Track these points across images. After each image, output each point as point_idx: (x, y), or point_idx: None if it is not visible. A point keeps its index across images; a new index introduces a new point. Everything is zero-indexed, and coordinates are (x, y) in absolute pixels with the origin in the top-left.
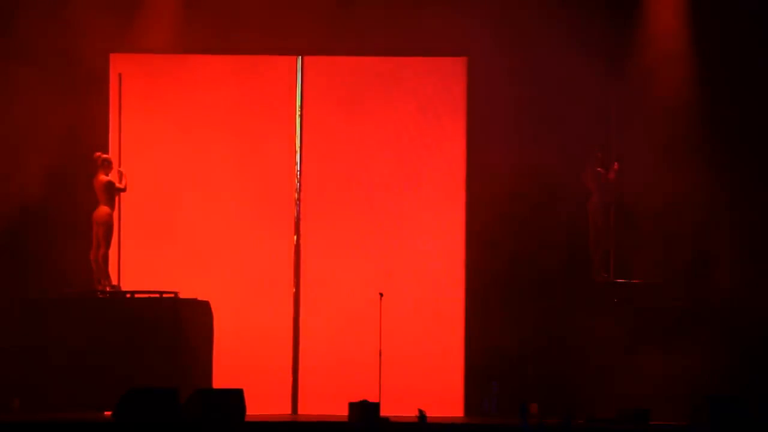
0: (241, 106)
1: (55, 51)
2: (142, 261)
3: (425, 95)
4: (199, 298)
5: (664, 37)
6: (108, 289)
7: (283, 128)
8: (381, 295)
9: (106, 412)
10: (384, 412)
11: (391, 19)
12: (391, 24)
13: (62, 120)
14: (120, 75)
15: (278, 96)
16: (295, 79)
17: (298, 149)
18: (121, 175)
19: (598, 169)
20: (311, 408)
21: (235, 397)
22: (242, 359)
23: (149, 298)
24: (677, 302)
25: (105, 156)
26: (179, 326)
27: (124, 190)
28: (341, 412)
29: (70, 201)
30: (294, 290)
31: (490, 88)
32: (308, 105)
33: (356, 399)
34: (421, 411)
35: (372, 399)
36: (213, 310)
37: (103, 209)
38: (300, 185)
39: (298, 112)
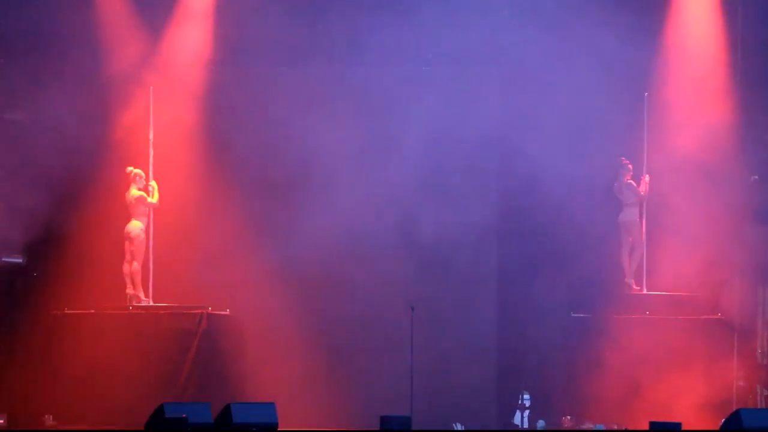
0: (272, 116)
1: (87, 65)
2: (173, 275)
3: (459, 102)
4: (230, 313)
5: (698, 43)
6: (140, 303)
7: (316, 138)
8: (412, 308)
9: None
10: (416, 425)
11: (428, 31)
12: (426, 35)
13: (93, 133)
14: (151, 88)
15: (312, 107)
16: (323, 91)
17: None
18: (152, 189)
19: (630, 180)
20: (343, 422)
21: (268, 410)
22: (273, 373)
23: (181, 312)
24: (710, 315)
25: (136, 170)
26: (211, 341)
27: (155, 204)
28: (372, 425)
29: (102, 215)
30: (325, 303)
31: (524, 95)
32: (335, 115)
33: (387, 412)
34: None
35: (403, 412)
36: (244, 324)
37: (135, 223)
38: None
39: (326, 123)
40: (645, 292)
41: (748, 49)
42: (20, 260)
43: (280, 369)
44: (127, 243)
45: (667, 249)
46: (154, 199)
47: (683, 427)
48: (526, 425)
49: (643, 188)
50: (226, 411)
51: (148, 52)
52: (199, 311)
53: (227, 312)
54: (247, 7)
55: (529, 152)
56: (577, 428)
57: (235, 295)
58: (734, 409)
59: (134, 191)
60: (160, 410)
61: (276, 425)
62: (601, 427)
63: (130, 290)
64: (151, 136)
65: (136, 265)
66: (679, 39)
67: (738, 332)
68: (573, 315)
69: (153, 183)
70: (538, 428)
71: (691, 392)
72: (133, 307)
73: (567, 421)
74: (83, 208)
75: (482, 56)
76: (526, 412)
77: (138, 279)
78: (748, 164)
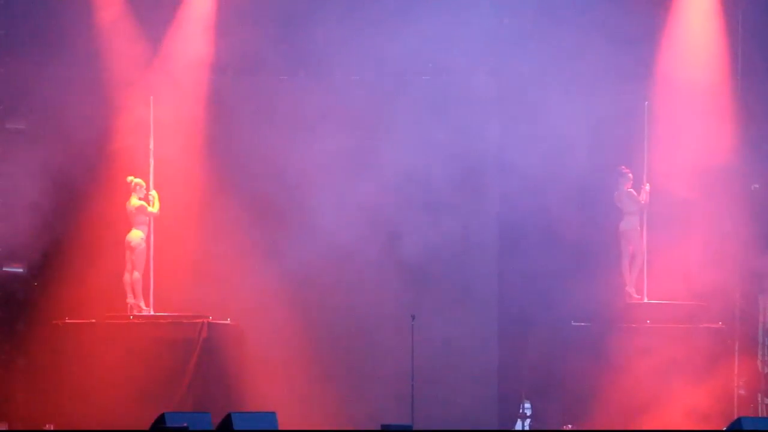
0: (272, 127)
1: (87, 75)
2: (174, 284)
3: (457, 111)
4: (231, 322)
5: (699, 51)
6: (141, 312)
7: (316, 149)
8: (413, 317)
9: None
10: None
11: (426, 40)
12: (424, 44)
13: (93, 143)
14: (152, 97)
15: (311, 117)
16: (323, 101)
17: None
18: (153, 198)
19: (630, 189)
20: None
21: (269, 419)
22: (275, 382)
23: (182, 322)
24: (710, 323)
25: (137, 180)
26: (212, 350)
27: (156, 213)
28: None
29: (103, 224)
30: (326, 312)
31: (521, 103)
32: (336, 124)
33: (388, 421)
34: None
35: (405, 421)
36: (245, 333)
37: (136, 233)
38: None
39: (325, 133)
40: (645, 300)
41: (749, 56)
42: (21, 270)
43: (281, 378)
44: (127, 252)
45: (667, 258)
46: (154, 208)
47: None
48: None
49: (644, 197)
50: (227, 420)
51: (149, 61)
52: (200, 320)
53: (228, 321)
54: (248, 18)
55: (528, 161)
56: None
57: (236, 304)
58: (735, 418)
59: (135, 201)
60: (161, 420)
61: None
62: None
63: (130, 299)
64: (151, 146)
65: (137, 275)
66: (679, 47)
67: (739, 341)
68: (574, 324)
69: (153, 192)
70: None
71: (693, 401)
72: (134, 316)
73: (568, 429)
74: (83, 218)
75: (479, 65)
76: (528, 421)
77: (139, 288)
78: (749, 173)
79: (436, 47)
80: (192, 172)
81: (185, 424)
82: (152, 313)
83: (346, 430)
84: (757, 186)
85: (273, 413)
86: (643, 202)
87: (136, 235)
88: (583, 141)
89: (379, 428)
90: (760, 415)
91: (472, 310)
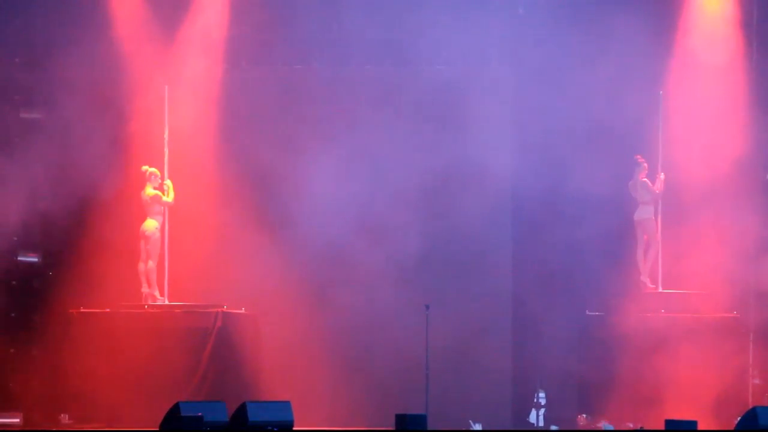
0: (285, 116)
1: (102, 64)
2: (189, 274)
3: (473, 103)
4: (246, 311)
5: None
6: (156, 302)
7: (330, 141)
8: (427, 306)
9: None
10: (431, 424)
11: (438, 31)
12: (438, 36)
13: (108, 132)
14: (166, 87)
15: (328, 107)
16: (340, 90)
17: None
18: (167, 187)
19: (644, 179)
20: (359, 420)
21: (283, 408)
22: (289, 371)
23: (197, 311)
24: (725, 312)
25: (151, 169)
26: (227, 339)
27: (170, 202)
28: (388, 424)
29: (118, 214)
30: (340, 301)
31: (535, 95)
32: (352, 116)
33: (403, 411)
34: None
35: (419, 411)
36: (260, 322)
37: (150, 222)
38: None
39: (344, 123)
40: (660, 290)
41: (764, 46)
42: (36, 259)
43: (295, 367)
44: (142, 242)
45: (682, 247)
46: (169, 197)
47: (699, 426)
48: (541, 424)
49: (658, 186)
50: (242, 409)
51: (164, 51)
52: (215, 310)
53: (243, 310)
54: (261, 7)
55: (542, 151)
56: (589, 428)
57: (251, 293)
58: (750, 407)
59: (149, 190)
60: (175, 409)
61: (292, 423)
62: (611, 427)
63: (145, 289)
64: (166, 135)
65: (152, 264)
66: (694, 37)
67: (754, 330)
68: (588, 313)
69: (168, 182)
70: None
71: (707, 390)
72: (149, 305)
73: (582, 420)
74: (99, 207)
75: (493, 54)
76: (542, 411)
77: (153, 278)
78: (763, 162)
79: (449, 37)
80: (206, 162)
81: (200, 414)
82: (167, 302)
83: (360, 429)
84: None
85: (287, 402)
86: (657, 191)
87: (150, 225)
88: (598, 130)
89: (393, 417)
90: None
91: (487, 300)
